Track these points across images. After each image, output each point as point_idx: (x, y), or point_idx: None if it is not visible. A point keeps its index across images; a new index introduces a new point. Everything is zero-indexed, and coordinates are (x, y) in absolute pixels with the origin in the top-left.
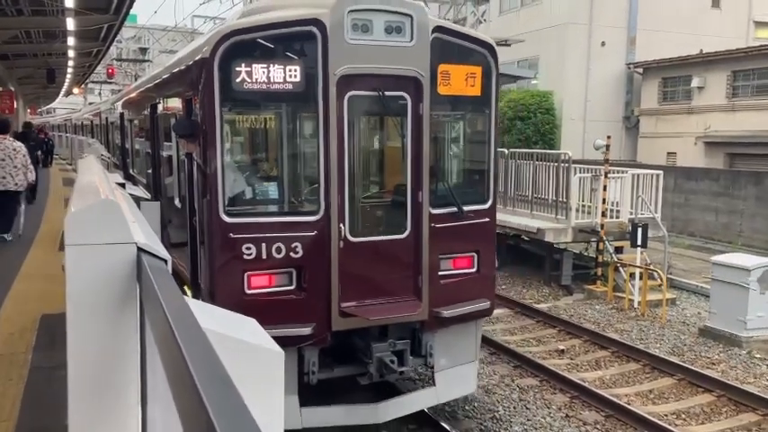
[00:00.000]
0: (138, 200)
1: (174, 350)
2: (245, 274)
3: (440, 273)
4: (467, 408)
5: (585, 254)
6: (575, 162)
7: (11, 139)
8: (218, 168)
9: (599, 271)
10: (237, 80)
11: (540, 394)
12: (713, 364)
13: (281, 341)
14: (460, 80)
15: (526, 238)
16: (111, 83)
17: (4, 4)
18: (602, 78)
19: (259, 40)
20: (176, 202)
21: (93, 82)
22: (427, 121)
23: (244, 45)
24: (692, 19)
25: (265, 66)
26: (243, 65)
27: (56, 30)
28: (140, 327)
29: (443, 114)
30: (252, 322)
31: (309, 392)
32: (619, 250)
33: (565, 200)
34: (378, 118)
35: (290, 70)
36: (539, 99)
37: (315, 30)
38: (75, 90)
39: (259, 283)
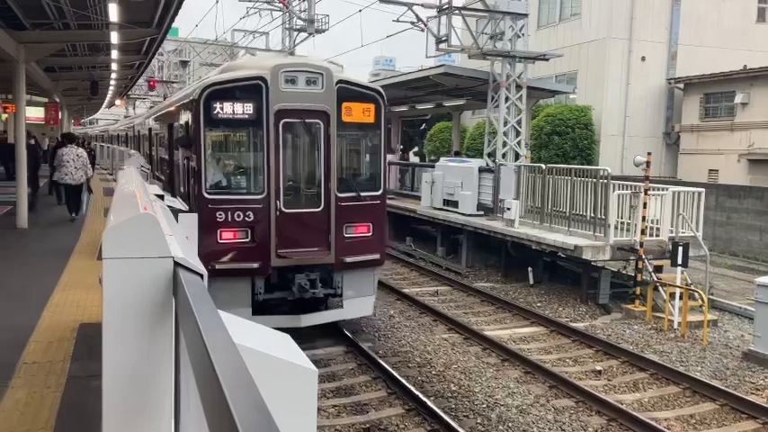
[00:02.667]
0: (176, 212)
1: (207, 368)
2: (219, 230)
3: (345, 235)
4: (500, 427)
5: (624, 272)
6: (613, 178)
7: (75, 146)
8: (202, 165)
9: (638, 290)
10: (214, 112)
11: (576, 416)
12: (758, 389)
13: (240, 272)
14: (359, 112)
15: (563, 255)
16: (145, 98)
17: (53, 18)
18: (641, 94)
19: (227, 88)
20: (181, 187)
21: (135, 97)
22: (334, 138)
23: (218, 91)
24: (735, 34)
25: (231, 103)
26: (217, 103)
27: (100, 43)
28: (175, 341)
29: (348, 134)
30: (285, 338)
31: (258, 307)
32: (658, 269)
33: (603, 217)
34: (302, 135)
35: (246, 106)
36: (577, 114)
37: (261, 83)
38: (118, 102)
39: (227, 237)
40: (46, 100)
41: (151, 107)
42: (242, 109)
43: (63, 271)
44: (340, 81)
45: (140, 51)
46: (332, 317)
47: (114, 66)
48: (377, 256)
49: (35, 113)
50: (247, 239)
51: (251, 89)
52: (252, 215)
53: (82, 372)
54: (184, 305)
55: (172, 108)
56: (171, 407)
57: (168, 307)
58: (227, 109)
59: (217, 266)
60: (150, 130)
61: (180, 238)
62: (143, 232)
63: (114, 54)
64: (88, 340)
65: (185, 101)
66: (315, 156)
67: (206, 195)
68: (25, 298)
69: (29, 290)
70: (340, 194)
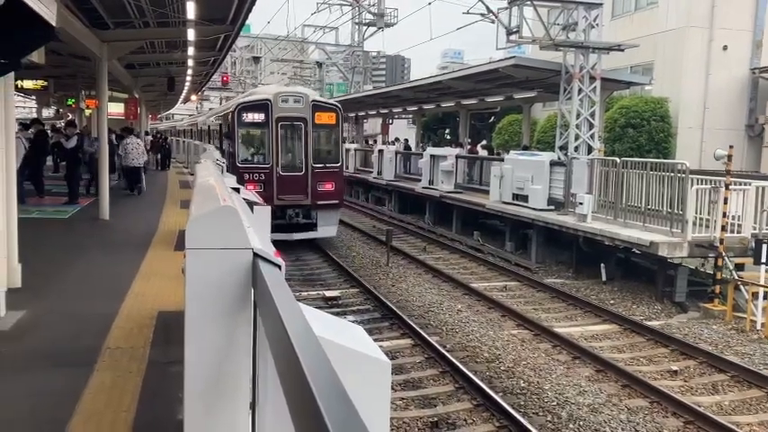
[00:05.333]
0: (251, 204)
1: (290, 357)
2: (245, 185)
3: (317, 188)
4: (571, 426)
5: (702, 270)
6: (691, 173)
7: (134, 137)
8: (237, 149)
9: (717, 289)
10: (243, 118)
11: (651, 416)
12: None
13: None
14: (326, 118)
15: (637, 252)
16: (208, 98)
17: (133, 17)
18: (722, 84)
19: (250, 105)
20: (225, 163)
21: (206, 97)
22: (311, 133)
23: (245, 107)
24: None
25: (252, 113)
26: (245, 113)
27: (177, 40)
28: (253, 331)
29: (319, 131)
30: (358, 329)
31: None
32: (740, 267)
33: (681, 212)
34: (292, 131)
35: (260, 115)
36: (653, 106)
37: (268, 102)
38: (193, 97)
39: (250, 188)
40: (126, 96)
41: (210, 109)
42: (258, 117)
43: (142, 261)
44: (314, 100)
45: (215, 48)
46: (312, 235)
47: (190, 62)
48: (337, 201)
49: (115, 109)
50: (261, 189)
51: (263, 106)
52: (263, 176)
53: (161, 357)
54: (264, 296)
55: (221, 114)
56: (248, 394)
57: (247, 297)
58: (249, 117)
59: None
60: (209, 127)
61: (257, 230)
62: (224, 224)
63: (190, 51)
64: (166, 327)
65: (228, 111)
66: (299, 143)
67: (239, 165)
68: (109, 286)
69: (112, 279)
70: (314, 165)
